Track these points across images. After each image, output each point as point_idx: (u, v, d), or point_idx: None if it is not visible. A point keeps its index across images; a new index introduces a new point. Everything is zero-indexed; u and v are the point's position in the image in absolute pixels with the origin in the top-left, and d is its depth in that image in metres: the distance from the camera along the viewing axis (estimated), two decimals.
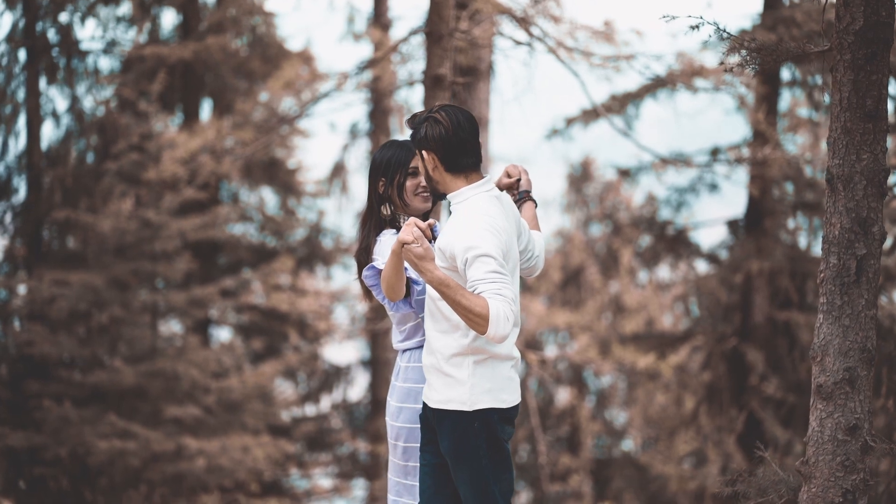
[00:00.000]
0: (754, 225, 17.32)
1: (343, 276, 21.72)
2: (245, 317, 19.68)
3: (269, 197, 20.87)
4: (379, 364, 20.78)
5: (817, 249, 17.80)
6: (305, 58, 19.32)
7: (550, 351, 25.01)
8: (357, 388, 21.93)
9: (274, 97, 18.53)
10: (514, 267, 6.39)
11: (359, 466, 21.49)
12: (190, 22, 19.37)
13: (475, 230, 6.17)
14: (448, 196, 6.40)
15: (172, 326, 19.42)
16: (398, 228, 6.65)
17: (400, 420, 6.69)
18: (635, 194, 26.35)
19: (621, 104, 17.13)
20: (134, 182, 17.08)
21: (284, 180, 20.54)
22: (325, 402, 21.73)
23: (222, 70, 19.15)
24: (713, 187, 17.92)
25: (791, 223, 17.86)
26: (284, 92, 16.54)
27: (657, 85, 16.73)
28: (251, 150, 15.49)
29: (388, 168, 6.64)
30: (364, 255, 6.68)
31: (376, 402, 20.81)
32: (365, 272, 6.57)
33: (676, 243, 18.37)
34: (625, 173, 18.21)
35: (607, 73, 13.83)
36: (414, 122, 6.40)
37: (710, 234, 18.81)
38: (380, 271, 6.51)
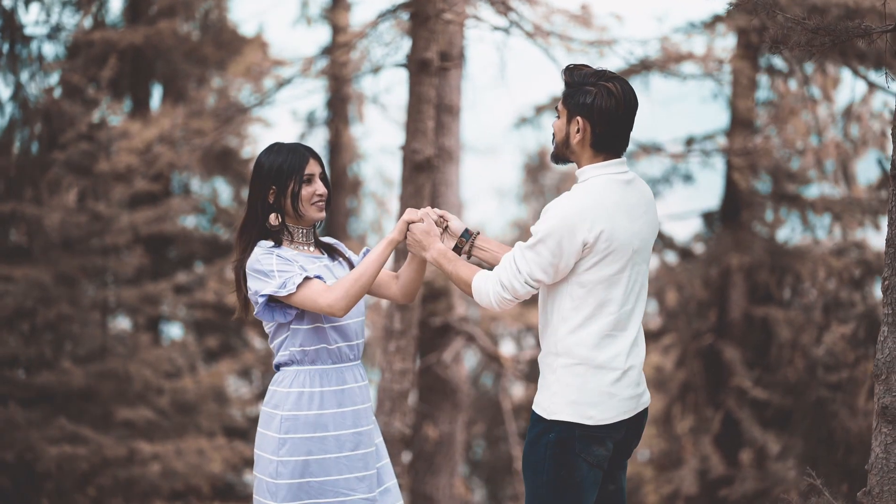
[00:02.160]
0: (731, 217, 16.79)
1: None
2: (197, 313, 18.87)
3: (221, 188, 20.07)
4: None
5: (799, 242, 17.31)
6: (259, 43, 18.59)
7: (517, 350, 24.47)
8: None
9: (228, 84, 17.74)
10: (630, 260, 5.70)
11: None
12: (138, 6, 18.54)
13: (561, 211, 5.61)
14: (576, 172, 5.82)
15: (120, 323, 18.62)
16: (278, 241, 6.07)
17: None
18: None
19: None
20: (84, 173, 16.27)
21: (238, 170, 19.75)
22: None
23: (173, 56, 18.35)
24: (687, 178, 17.35)
25: (769, 216, 17.33)
26: (245, 79, 15.77)
27: (630, 72, 16.17)
28: (210, 139, 14.71)
29: (279, 175, 6.05)
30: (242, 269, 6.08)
31: None
32: (259, 311, 5.96)
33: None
34: None
35: (590, 58, 13.19)
36: (576, 76, 5.72)
37: (684, 227, 18.22)
38: (270, 305, 5.97)
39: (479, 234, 6.21)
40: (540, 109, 17.13)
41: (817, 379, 14.61)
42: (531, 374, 23.28)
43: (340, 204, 20.15)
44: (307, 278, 5.87)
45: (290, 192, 6.02)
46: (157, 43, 17.72)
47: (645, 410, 5.93)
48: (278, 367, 6.15)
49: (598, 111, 5.61)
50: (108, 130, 16.27)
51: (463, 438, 15.19)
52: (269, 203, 6.05)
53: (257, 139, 18.74)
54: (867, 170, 20.09)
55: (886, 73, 5.88)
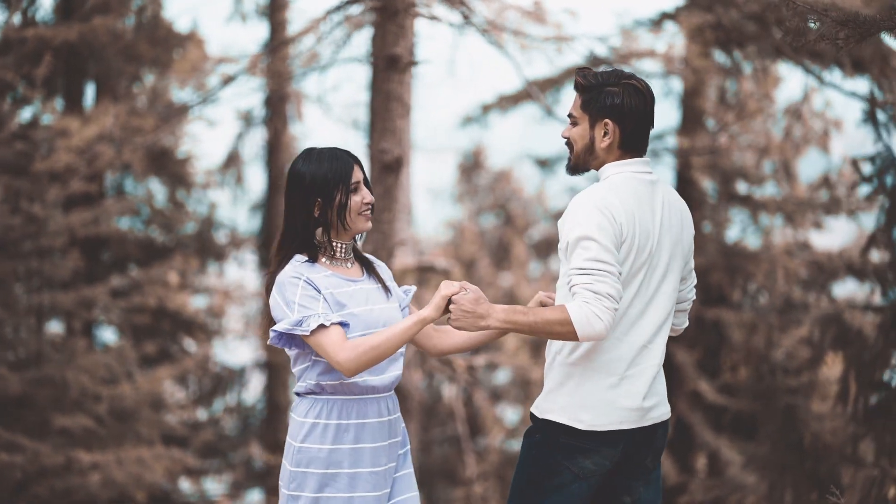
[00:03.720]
0: None
1: (237, 273, 20.56)
2: (133, 317, 18.38)
3: (156, 189, 19.57)
4: (275, 366, 19.76)
5: (750, 243, 17.18)
6: (195, 40, 18.16)
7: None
8: (252, 392, 20.76)
9: (167, 82, 17.30)
10: (645, 263, 5.44)
11: (253, 475, 20.31)
12: (71, 2, 18.02)
13: (583, 206, 5.30)
14: (598, 174, 5.56)
15: (53, 328, 18.12)
16: (314, 256, 5.59)
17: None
18: (552, 186, 25.55)
19: (541, 90, 16.24)
20: (19, 173, 15.76)
21: (173, 171, 19.26)
22: (218, 407, 20.52)
23: (108, 53, 17.85)
24: None
25: (720, 216, 17.18)
26: (186, 76, 15.37)
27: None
28: (151, 138, 14.28)
29: (324, 186, 5.51)
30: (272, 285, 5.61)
31: (272, 405, 19.79)
32: (272, 336, 5.49)
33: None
34: (542, 163, 17.40)
35: (549, 55, 12.97)
36: (592, 79, 5.46)
37: None
38: (284, 335, 5.49)
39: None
40: (487, 108, 16.87)
41: (780, 383, 14.44)
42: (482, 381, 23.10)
43: (280, 205, 19.71)
44: (322, 325, 5.37)
45: (338, 204, 5.52)
46: (92, 40, 17.22)
47: (658, 426, 5.60)
48: (297, 394, 5.70)
49: (629, 110, 5.42)
50: (44, 129, 15.80)
51: (414, 445, 14.84)
52: (314, 217, 5.55)
53: (198, 138, 18.26)
54: (808, 169, 20.03)
55: None
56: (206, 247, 19.47)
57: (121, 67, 18.11)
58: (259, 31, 19.11)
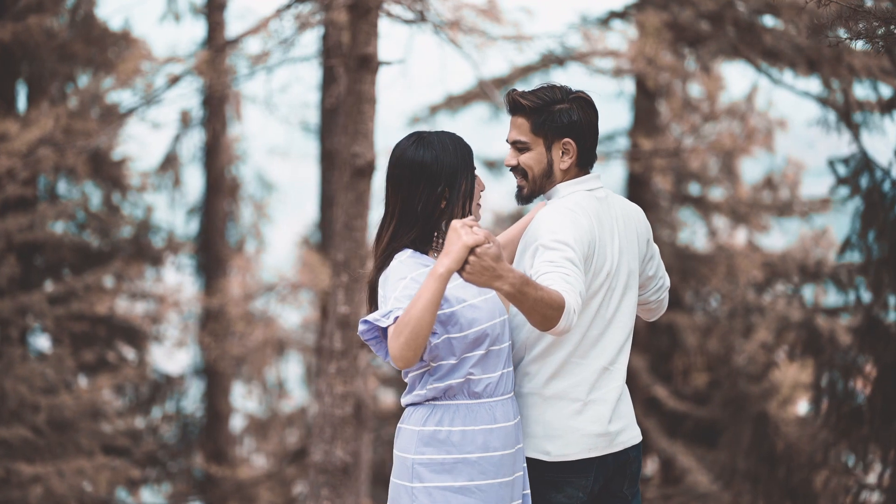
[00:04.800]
0: None
1: (175, 278, 20.08)
2: (71, 325, 17.85)
3: (90, 192, 19.03)
4: (214, 373, 19.35)
5: (702, 245, 17.04)
6: (131, 40, 17.69)
7: None
8: (191, 399, 20.30)
9: (98, 83, 16.82)
10: (604, 284, 5.18)
11: (193, 484, 19.87)
12: (2, 1, 17.50)
13: (558, 215, 5.02)
14: (546, 194, 5.24)
15: None
16: (424, 251, 5.16)
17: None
18: (499, 188, 25.24)
19: (485, 92, 15.96)
20: None
21: (109, 174, 18.73)
22: (156, 415, 20.04)
23: (42, 53, 17.32)
24: None
25: (672, 218, 17.03)
26: (131, 77, 14.93)
27: (528, 70, 15.77)
28: (95, 141, 13.84)
29: (453, 174, 5.11)
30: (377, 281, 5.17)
31: (213, 413, 19.39)
32: (361, 327, 5.03)
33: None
34: (491, 165, 17.14)
35: (506, 54, 12.71)
36: (538, 99, 5.14)
37: None
38: (378, 326, 5.00)
39: None
40: (434, 109, 16.58)
41: (745, 389, 14.27)
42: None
43: (219, 208, 19.33)
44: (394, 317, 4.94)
45: (464, 192, 5.13)
46: (27, 39, 16.71)
47: (628, 450, 5.33)
48: (413, 404, 5.22)
49: (587, 126, 5.19)
50: None
51: (369, 457, 14.52)
52: (440, 208, 5.13)
53: (141, 141, 17.76)
54: (752, 169, 19.96)
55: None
56: (143, 251, 18.95)
57: (55, 68, 17.61)
58: (194, 31, 18.60)
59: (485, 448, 5.06)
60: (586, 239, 5.03)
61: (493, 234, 4.87)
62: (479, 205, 5.27)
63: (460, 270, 4.76)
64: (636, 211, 5.45)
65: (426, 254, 5.20)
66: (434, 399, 5.12)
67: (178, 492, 19.98)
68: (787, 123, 19.01)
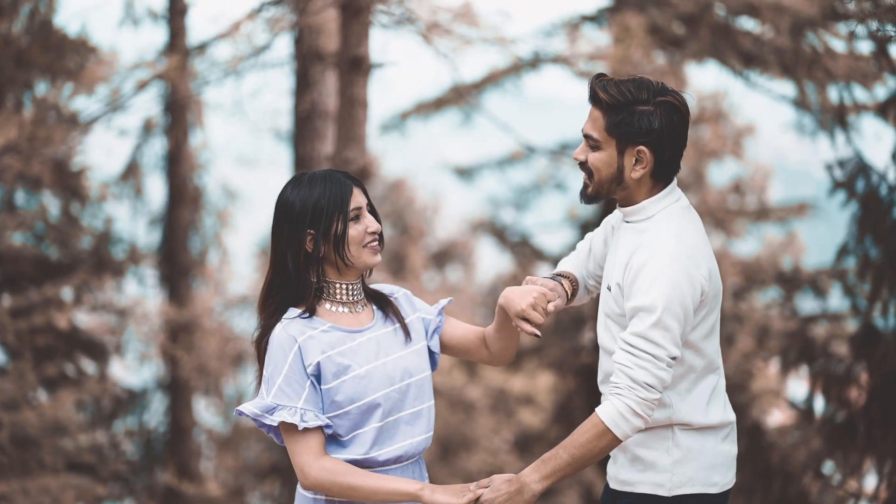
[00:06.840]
0: None
1: (136, 290, 19.65)
2: (32, 338, 17.42)
3: (49, 202, 18.58)
4: (178, 387, 18.97)
5: None
6: (87, 47, 17.30)
7: None
8: (154, 414, 19.87)
9: (66, 90, 16.45)
10: (714, 300, 4.71)
11: (157, 500, 19.45)
12: None
13: (670, 272, 4.51)
14: (624, 209, 4.70)
15: None
16: (312, 309, 4.73)
17: None
18: (474, 195, 25.03)
19: (461, 95, 15.69)
20: None
21: (68, 183, 18.29)
22: (118, 429, 19.62)
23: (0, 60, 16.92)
24: (559, 186, 16.69)
25: None
26: (94, 83, 14.60)
27: (501, 74, 15.55)
28: (60, 149, 13.49)
29: (316, 215, 4.66)
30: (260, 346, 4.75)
31: (176, 428, 19.00)
32: (242, 413, 4.63)
33: (520, 247, 16.97)
34: (462, 172, 16.88)
35: (484, 57, 12.53)
36: (619, 94, 4.55)
37: (559, 238, 17.52)
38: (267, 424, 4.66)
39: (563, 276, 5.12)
40: (405, 115, 16.30)
41: (734, 399, 14.04)
42: None
43: (181, 218, 18.93)
44: (297, 429, 4.59)
45: (334, 235, 4.66)
46: None
47: None
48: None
49: (668, 134, 4.59)
50: None
51: None
52: (307, 253, 4.69)
53: (106, 149, 17.38)
54: (720, 174, 19.81)
55: None
56: (104, 263, 18.51)
57: (13, 75, 17.20)
58: (154, 37, 18.19)
59: None
60: (699, 284, 4.58)
61: (486, 480, 4.60)
62: (367, 246, 4.79)
63: None
64: None
65: (314, 313, 4.77)
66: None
67: None
68: (756, 129, 18.90)
